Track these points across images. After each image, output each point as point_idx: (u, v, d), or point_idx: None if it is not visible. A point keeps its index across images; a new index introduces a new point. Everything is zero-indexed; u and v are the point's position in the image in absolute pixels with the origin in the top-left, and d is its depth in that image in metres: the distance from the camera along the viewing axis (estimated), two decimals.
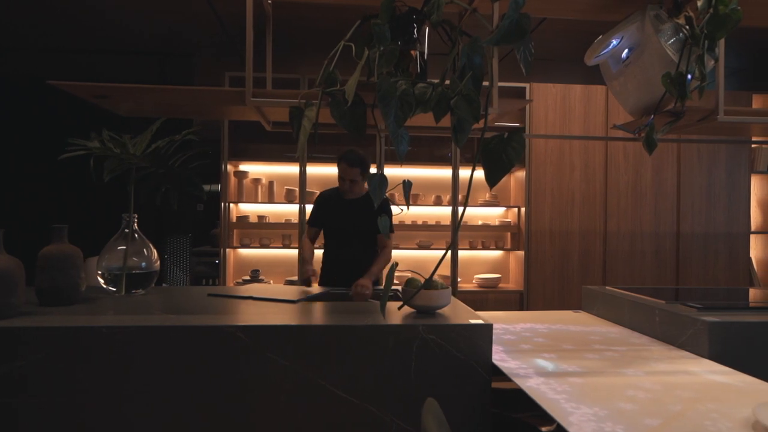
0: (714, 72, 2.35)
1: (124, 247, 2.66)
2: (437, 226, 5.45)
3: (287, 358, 2.02)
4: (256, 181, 5.48)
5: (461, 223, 5.35)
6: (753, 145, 5.62)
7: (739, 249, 5.57)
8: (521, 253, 5.36)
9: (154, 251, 2.77)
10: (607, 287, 3.20)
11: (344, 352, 2.05)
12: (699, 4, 2.09)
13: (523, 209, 5.37)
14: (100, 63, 6.28)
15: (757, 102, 5.71)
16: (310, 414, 2.03)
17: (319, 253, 3.71)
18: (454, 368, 2.07)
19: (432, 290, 2.28)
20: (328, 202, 3.69)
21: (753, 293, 3.18)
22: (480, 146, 2.02)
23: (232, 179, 5.49)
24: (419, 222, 5.47)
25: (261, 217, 5.42)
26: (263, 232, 5.49)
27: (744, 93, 5.65)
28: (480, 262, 5.76)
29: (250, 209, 5.58)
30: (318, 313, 2.34)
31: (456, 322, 2.12)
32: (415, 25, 2.31)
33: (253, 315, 2.29)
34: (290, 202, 5.37)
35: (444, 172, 5.59)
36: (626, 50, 2.49)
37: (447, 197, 5.49)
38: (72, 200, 6.13)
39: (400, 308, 2.29)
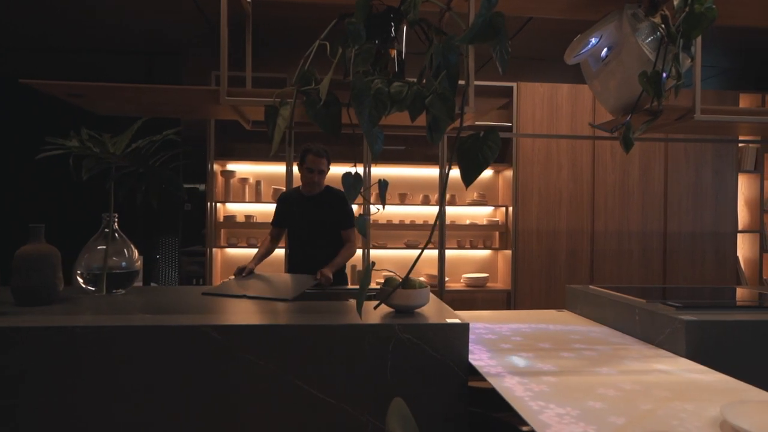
0: (691, 71, 2.35)
1: (104, 247, 2.65)
2: (425, 226, 5.44)
3: (262, 357, 2.01)
4: (244, 180, 5.47)
5: (447, 223, 5.37)
6: (740, 145, 5.64)
7: (726, 248, 5.58)
8: (509, 252, 5.37)
9: (135, 251, 2.76)
10: (590, 286, 3.20)
11: (320, 351, 2.04)
12: (675, 3, 2.09)
13: (510, 209, 5.37)
14: (87, 62, 6.26)
15: (744, 101, 5.73)
16: (285, 414, 2.03)
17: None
18: (431, 367, 2.07)
19: (410, 290, 2.27)
20: (289, 201, 3.73)
21: (737, 292, 3.18)
22: (456, 145, 2.02)
23: (219, 179, 5.48)
24: (407, 221, 5.47)
25: (248, 217, 5.41)
26: (250, 231, 5.48)
27: (731, 92, 5.66)
28: (468, 262, 5.76)
29: (237, 209, 5.57)
30: (295, 312, 2.33)
31: (432, 321, 2.12)
32: (392, 23, 2.30)
33: (229, 314, 2.28)
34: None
35: (432, 172, 5.59)
36: (605, 49, 2.49)
37: (435, 197, 5.49)
38: (52, 200, 6.11)
39: (376, 307, 2.28)
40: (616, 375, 1.91)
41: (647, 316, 2.44)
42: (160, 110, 2.53)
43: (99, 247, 2.65)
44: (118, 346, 1.98)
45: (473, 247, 5.57)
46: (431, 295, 2.77)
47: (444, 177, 5.00)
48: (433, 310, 2.37)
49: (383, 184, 2.16)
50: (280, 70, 5.30)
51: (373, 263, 2.16)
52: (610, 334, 2.59)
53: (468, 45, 2.15)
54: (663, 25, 2.12)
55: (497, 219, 5.62)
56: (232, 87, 2.13)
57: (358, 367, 2.05)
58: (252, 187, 5.49)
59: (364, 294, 2.08)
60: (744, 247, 5.93)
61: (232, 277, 3.34)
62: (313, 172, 3.56)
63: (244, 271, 3.36)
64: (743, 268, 5.84)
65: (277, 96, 2.03)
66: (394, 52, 2.32)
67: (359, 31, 1.99)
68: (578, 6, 2.48)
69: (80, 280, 2.62)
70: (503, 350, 2.25)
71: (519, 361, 2.09)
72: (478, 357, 2.14)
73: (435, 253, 4.67)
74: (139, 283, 2.78)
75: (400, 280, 2.35)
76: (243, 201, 5.46)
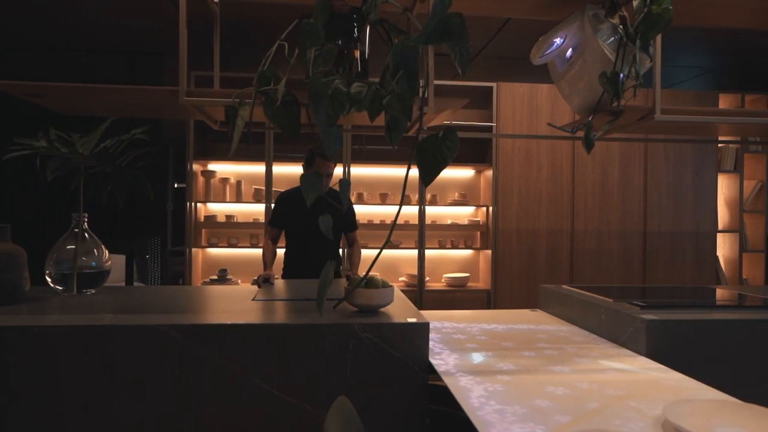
0: (652, 71, 2.36)
1: (74, 247, 2.65)
2: (406, 225, 5.45)
3: (221, 356, 2.01)
4: (225, 180, 5.47)
5: (428, 223, 5.38)
6: (720, 145, 5.67)
7: (706, 248, 5.61)
8: (490, 252, 5.38)
9: (105, 251, 2.76)
10: (563, 286, 3.22)
11: (279, 350, 2.04)
12: (635, 3, 2.10)
13: (491, 208, 5.38)
14: (69, 61, 6.24)
15: (724, 102, 5.76)
16: (244, 412, 2.03)
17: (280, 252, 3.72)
18: (391, 367, 2.07)
19: (372, 289, 2.27)
20: (290, 201, 3.71)
21: (716, 292, 3.19)
22: (414, 146, 2.03)
23: (200, 179, 5.47)
24: (388, 221, 5.48)
25: (229, 217, 5.41)
26: (231, 231, 5.48)
27: (711, 93, 5.69)
28: (450, 262, 5.77)
29: (218, 209, 5.57)
30: (256, 312, 2.34)
31: (393, 320, 2.12)
32: (355, 24, 2.31)
33: (191, 314, 2.28)
34: (258, 201, 5.36)
35: (413, 172, 5.57)
36: (570, 49, 2.50)
37: (416, 197, 5.50)
38: (22, 200, 6.11)
39: (335, 306, 2.29)
40: (571, 374, 1.91)
41: (612, 316, 2.46)
42: (124, 110, 2.53)
43: (68, 247, 2.65)
44: (76, 345, 1.98)
45: (454, 247, 5.59)
46: (401, 295, 2.79)
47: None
48: (397, 309, 2.37)
49: (345, 183, 2.17)
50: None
51: (338, 262, 2.16)
52: (577, 333, 2.60)
53: (426, 45, 2.14)
54: (621, 26, 2.13)
55: (478, 219, 5.63)
56: (195, 87, 2.14)
57: (317, 366, 2.05)
58: (233, 187, 5.50)
59: (324, 293, 2.08)
60: (724, 247, 5.96)
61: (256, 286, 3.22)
62: (322, 176, 3.56)
63: (269, 279, 3.23)
64: (723, 268, 5.87)
65: (237, 96, 2.03)
66: (357, 53, 2.33)
67: (317, 31, 1.99)
68: (542, 6, 2.49)
69: (48, 280, 2.61)
70: (467, 349, 2.26)
71: (479, 360, 2.10)
72: (440, 356, 2.14)
73: (416, 252, 4.71)
74: (121, 283, 2.78)
75: (380, 280, 2.35)
76: (224, 201, 5.46)
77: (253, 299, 2.62)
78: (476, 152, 5.65)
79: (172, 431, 2.01)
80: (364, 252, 5.47)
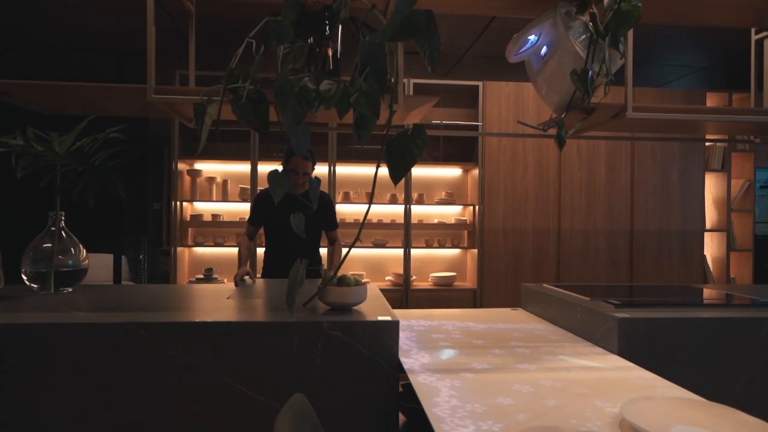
0: (624, 69, 2.36)
1: (50, 245, 2.64)
2: (393, 225, 5.45)
3: (190, 355, 2.00)
4: (211, 179, 5.46)
5: (415, 222, 5.37)
6: (707, 144, 5.67)
7: (693, 247, 5.61)
8: (477, 251, 5.38)
9: (83, 250, 2.76)
10: (544, 285, 3.21)
11: (248, 348, 2.04)
12: (606, 1, 2.10)
13: (477, 207, 5.38)
14: (58, 61, 6.23)
15: (711, 100, 5.76)
16: (214, 411, 2.02)
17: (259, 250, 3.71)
18: (360, 365, 2.07)
19: (344, 287, 2.27)
20: (268, 200, 3.70)
21: (692, 291, 3.18)
22: (384, 143, 2.02)
23: (186, 178, 5.46)
24: (374, 220, 5.47)
25: (215, 216, 5.41)
26: (218, 230, 5.47)
27: (698, 91, 5.69)
28: (438, 261, 5.77)
29: (204, 208, 5.56)
30: (228, 310, 2.33)
31: (362, 319, 2.12)
32: (327, 22, 2.30)
33: (162, 313, 2.27)
34: (244, 200, 5.35)
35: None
36: (545, 47, 2.49)
37: (402, 196, 5.50)
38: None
39: (305, 305, 2.29)
40: (538, 372, 1.91)
41: (587, 314, 2.45)
42: (96, 108, 2.52)
43: (45, 245, 2.64)
44: (43, 344, 1.97)
45: (441, 246, 5.58)
46: (378, 293, 2.78)
47: (409, 176, 5.01)
48: (370, 308, 2.37)
49: (314, 182, 2.17)
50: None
51: (305, 261, 2.15)
52: (553, 331, 2.60)
53: (396, 43, 2.14)
54: (592, 23, 2.13)
55: (465, 218, 5.63)
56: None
57: (286, 364, 2.04)
58: (219, 186, 5.48)
59: (294, 292, 2.08)
60: (712, 246, 5.96)
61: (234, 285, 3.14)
62: (298, 174, 3.57)
63: (246, 277, 3.14)
64: (711, 267, 5.87)
65: (205, 94, 2.02)
66: (328, 51, 2.32)
67: (285, 29, 1.98)
68: (516, 4, 2.49)
69: (24, 278, 2.61)
70: (439, 347, 2.26)
71: (448, 358, 2.09)
72: (411, 354, 2.14)
73: (402, 252, 4.70)
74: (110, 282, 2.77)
75: (353, 278, 2.35)
76: (210, 200, 5.45)
77: (228, 298, 2.61)
78: (463, 151, 5.64)
79: (140, 428, 2.01)
80: (352, 251, 5.47)
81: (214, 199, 5.46)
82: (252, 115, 2.01)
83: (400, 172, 2.02)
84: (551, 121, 2.30)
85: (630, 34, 2.24)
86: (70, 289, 2.70)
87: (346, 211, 5.59)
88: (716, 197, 5.94)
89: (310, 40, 2.29)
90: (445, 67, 6.07)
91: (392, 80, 2.16)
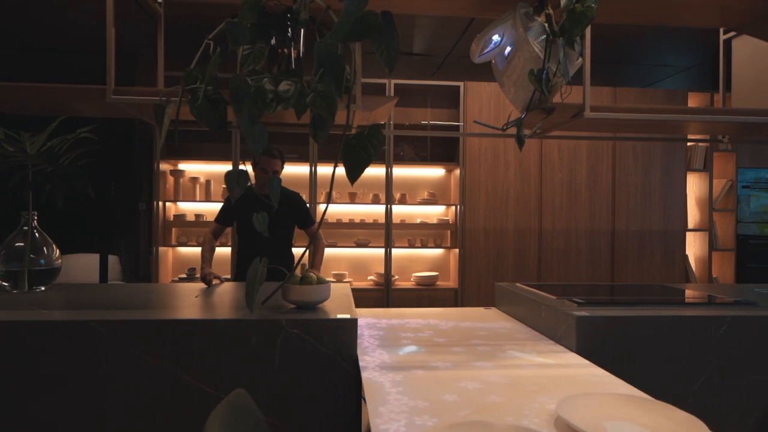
0: (582, 69, 2.38)
1: (22, 245, 2.66)
2: (375, 224, 5.47)
3: (149, 352, 2.02)
4: (195, 179, 5.48)
5: (397, 222, 5.39)
6: (689, 144, 5.69)
7: (675, 247, 5.63)
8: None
9: (57, 249, 2.78)
10: (517, 284, 3.23)
11: (207, 346, 2.06)
12: (562, 2, 2.12)
13: (458, 207, 5.40)
14: (43, 61, 6.24)
15: (693, 100, 5.78)
16: (173, 409, 2.04)
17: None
18: (319, 362, 2.09)
19: (306, 285, 2.29)
20: (240, 199, 3.71)
21: (665, 290, 3.19)
22: (341, 143, 2.04)
23: (169, 178, 5.48)
24: (357, 220, 5.49)
25: (198, 216, 5.42)
26: (201, 230, 5.49)
27: (680, 91, 5.71)
28: (421, 260, 5.79)
29: (188, 208, 5.58)
30: (191, 307, 2.35)
31: (321, 317, 2.14)
32: (289, 23, 2.31)
33: (127, 311, 2.29)
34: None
35: (382, 171, 5.61)
36: (508, 47, 2.51)
37: (384, 196, 5.52)
38: None
39: (263, 303, 2.31)
40: (492, 369, 1.93)
41: (550, 312, 2.47)
42: (60, 109, 2.53)
43: (17, 245, 2.66)
44: (5, 340, 1.99)
45: (424, 245, 5.60)
46: (346, 292, 2.81)
47: (390, 176, 5.03)
48: (334, 306, 2.39)
49: (275, 181, 2.18)
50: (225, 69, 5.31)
51: (264, 260, 2.17)
52: (520, 330, 2.62)
53: (354, 43, 2.16)
54: (547, 24, 2.15)
55: (448, 218, 5.65)
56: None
57: (245, 361, 2.07)
58: (203, 186, 5.50)
59: (253, 290, 2.09)
60: (695, 246, 5.99)
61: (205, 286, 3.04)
62: (267, 173, 3.60)
63: (211, 280, 3.06)
64: (693, 267, 5.90)
65: (164, 95, 2.04)
66: (289, 52, 2.34)
67: (242, 31, 2.00)
68: (478, 5, 2.51)
69: None
70: (401, 345, 2.27)
71: (407, 356, 2.11)
72: (371, 352, 2.16)
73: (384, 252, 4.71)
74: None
75: (315, 277, 2.37)
76: (194, 200, 5.47)
77: (195, 296, 2.63)
78: (447, 151, 5.66)
79: (100, 426, 2.03)
80: (333, 251, 5.50)
81: (198, 199, 5.47)
82: (210, 115, 2.02)
83: (356, 172, 2.04)
84: (511, 121, 2.32)
85: (588, 35, 2.26)
86: (43, 288, 2.72)
87: (328, 211, 5.60)
88: (698, 197, 5.96)
89: (273, 42, 2.30)
90: (431, 68, 6.09)
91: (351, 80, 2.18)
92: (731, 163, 5.97)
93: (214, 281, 3.10)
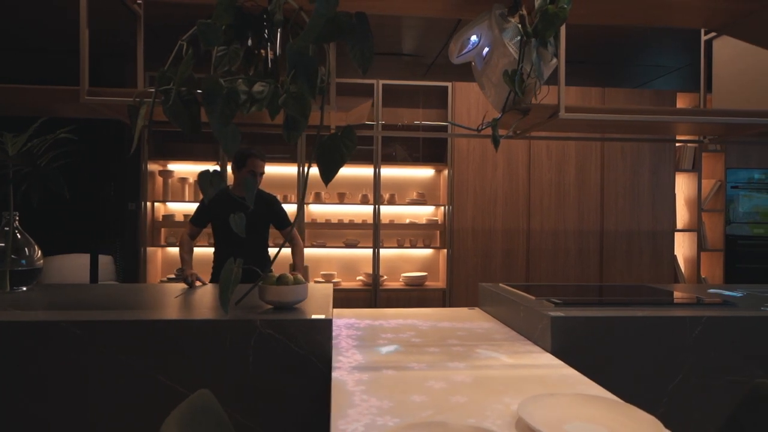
0: (557, 70, 2.38)
1: (3, 245, 2.67)
2: (364, 225, 5.47)
3: (124, 352, 2.03)
4: (183, 180, 5.48)
5: (386, 222, 5.39)
6: (677, 144, 5.70)
7: (664, 247, 5.64)
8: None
9: (38, 250, 2.79)
10: (500, 284, 3.23)
11: (181, 346, 2.06)
12: (536, 3, 2.13)
13: (448, 208, 5.40)
14: (32, 62, 6.24)
15: (682, 101, 5.79)
16: (148, 409, 2.04)
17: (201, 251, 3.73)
18: (293, 362, 2.10)
19: (282, 286, 2.29)
20: (216, 201, 3.72)
21: (649, 290, 3.19)
22: (315, 144, 2.04)
23: (158, 178, 5.48)
24: (346, 221, 5.49)
25: (187, 216, 5.41)
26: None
27: (669, 92, 5.72)
28: (411, 261, 5.79)
29: (177, 208, 5.58)
30: (164, 308, 2.35)
31: (295, 317, 2.14)
32: (266, 24, 2.32)
33: (103, 311, 2.29)
34: None
35: (370, 171, 5.60)
36: (486, 48, 2.52)
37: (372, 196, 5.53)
38: None
39: (237, 303, 2.32)
40: (462, 369, 1.93)
41: (528, 313, 2.48)
42: (37, 110, 2.53)
43: None
44: None
45: (413, 246, 5.60)
46: (326, 292, 2.81)
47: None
48: (312, 306, 2.40)
49: (250, 182, 2.19)
50: (204, 70, 5.32)
51: (237, 260, 2.17)
52: (498, 330, 2.62)
53: (328, 44, 2.16)
54: (520, 25, 2.15)
55: (437, 218, 5.65)
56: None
57: (220, 362, 2.07)
58: (192, 186, 5.50)
59: (227, 290, 2.10)
60: (684, 246, 6.00)
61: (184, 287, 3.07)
62: (256, 175, 3.63)
63: (193, 281, 3.14)
64: (682, 267, 5.91)
65: (137, 96, 2.04)
66: (265, 53, 2.34)
67: (215, 32, 2.00)
68: (455, 6, 2.52)
69: None
70: (377, 345, 2.28)
71: (380, 356, 2.11)
72: (345, 352, 2.16)
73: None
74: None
75: (292, 278, 2.37)
76: (183, 200, 5.47)
77: (175, 297, 2.64)
78: (436, 152, 5.67)
79: (75, 426, 2.03)
80: (322, 251, 5.51)
81: (187, 199, 5.47)
82: (184, 116, 2.03)
83: (330, 173, 2.04)
84: (487, 122, 2.32)
85: (563, 36, 2.26)
86: (24, 288, 2.72)
87: (317, 211, 5.62)
88: (687, 197, 5.97)
89: (250, 43, 2.31)
90: (421, 68, 6.10)
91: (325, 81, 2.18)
92: (720, 163, 5.97)
93: (196, 283, 3.11)
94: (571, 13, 2.18)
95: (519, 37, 2.28)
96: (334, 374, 1.87)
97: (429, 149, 5.70)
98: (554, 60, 2.29)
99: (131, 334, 2.05)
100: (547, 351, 2.23)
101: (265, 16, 2.31)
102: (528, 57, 2.14)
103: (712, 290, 3.14)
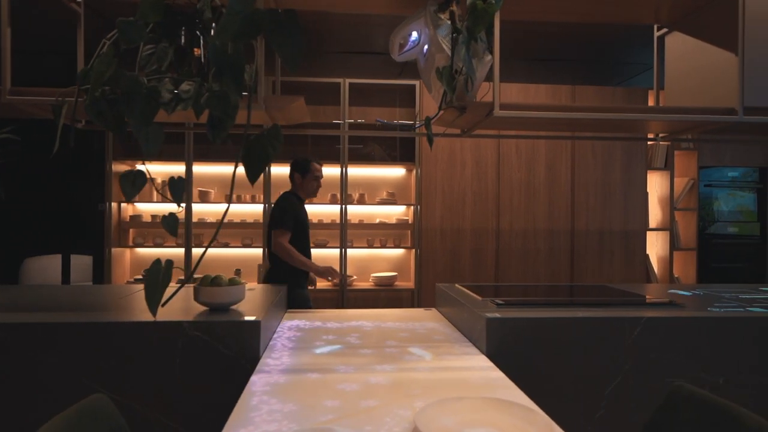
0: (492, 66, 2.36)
1: None
2: (333, 225, 5.43)
3: (51, 355, 2.00)
4: (152, 180, 5.43)
5: (356, 222, 5.36)
6: (649, 142, 5.67)
7: (636, 246, 5.61)
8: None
9: None
10: (456, 285, 3.21)
11: (107, 349, 2.04)
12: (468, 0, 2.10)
13: (415, 207, 5.37)
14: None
15: (653, 98, 5.75)
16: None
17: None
18: (221, 364, 2.07)
19: (215, 287, 2.26)
20: (296, 206, 3.98)
21: (604, 289, 3.17)
22: (242, 144, 2.01)
23: None
24: (315, 220, 5.45)
25: (155, 216, 5.38)
26: (158, 230, 5.46)
27: (641, 89, 5.70)
28: (381, 261, 5.76)
29: (145, 208, 5.55)
30: (100, 310, 2.32)
31: (223, 319, 2.12)
32: (198, 21, 2.28)
33: (24, 314, 2.26)
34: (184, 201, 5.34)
35: (337, 171, 5.56)
36: (426, 45, 2.49)
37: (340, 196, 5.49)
38: None
39: (163, 305, 2.27)
40: (387, 372, 1.90)
41: (470, 314, 2.46)
42: None
43: None
44: None
45: (383, 246, 5.57)
46: (273, 293, 2.78)
47: (345, 175, 5.01)
48: (249, 307, 2.37)
49: (178, 182, 2.15)
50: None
51: (170, 261, 2.14)
52: (443, 331, 2.60)
53: (256, 42, 2.14)
54: (451, 21, 2.13)
55: (408, 218, 5.62)
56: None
57: (146, 363, 2.04)
58: (159, 186, 5.46)
59: (155, 292, 2.06)
60: (657, 245, 5.97)
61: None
62: (319, 179, 3.99)
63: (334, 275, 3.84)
64: (655, 266, 5.88)
65: (59, 95, 2.01)
66: (198, 52, 2.31)
67: (138, 30, 1.97)
68: (391, 3, 2.50)
69: None
70: (313, 347, 2.25)
71: (311, 358, 2.09)
72: (276, 354, 2.13)
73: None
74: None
75: (226, 278, 2.35)
76: (150, 201, 5.43)
77: (121, 298, 2.62)
78: (407, 151, 5.63)
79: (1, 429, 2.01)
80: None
81: (155, 200, 5.44)
82: (108, 116, 1.99)
83: (256, 172, 2.00)
84: (422, 120, 2.29)
85: (497, 32, 2.23)
86: None
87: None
88: (660, 196, 5.94)
89: (183, 41, 2.28)
90: (396, 67, 6.07)
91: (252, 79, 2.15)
92: (693, 161, 5.95)
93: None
94: (504, 9, 2.16)
95: (453, 34, 2.25)
96: (253, 377, 1.85)
97: (396, 148, 5.66)
98: (489, 57, 2.26)
99: (56, 336, 2.02)
100: (482, 352, 2.21)
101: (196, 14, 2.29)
102: (458, 53, 2.12)
103: (672, 290, 3.12)
